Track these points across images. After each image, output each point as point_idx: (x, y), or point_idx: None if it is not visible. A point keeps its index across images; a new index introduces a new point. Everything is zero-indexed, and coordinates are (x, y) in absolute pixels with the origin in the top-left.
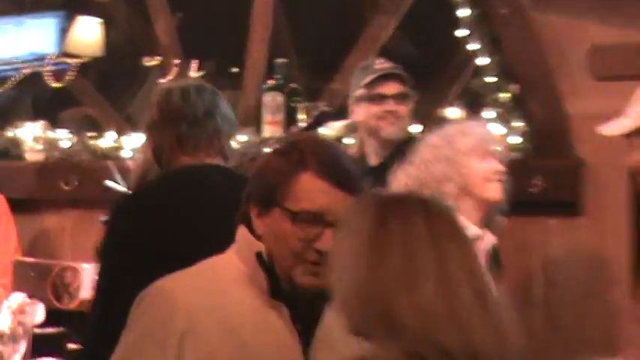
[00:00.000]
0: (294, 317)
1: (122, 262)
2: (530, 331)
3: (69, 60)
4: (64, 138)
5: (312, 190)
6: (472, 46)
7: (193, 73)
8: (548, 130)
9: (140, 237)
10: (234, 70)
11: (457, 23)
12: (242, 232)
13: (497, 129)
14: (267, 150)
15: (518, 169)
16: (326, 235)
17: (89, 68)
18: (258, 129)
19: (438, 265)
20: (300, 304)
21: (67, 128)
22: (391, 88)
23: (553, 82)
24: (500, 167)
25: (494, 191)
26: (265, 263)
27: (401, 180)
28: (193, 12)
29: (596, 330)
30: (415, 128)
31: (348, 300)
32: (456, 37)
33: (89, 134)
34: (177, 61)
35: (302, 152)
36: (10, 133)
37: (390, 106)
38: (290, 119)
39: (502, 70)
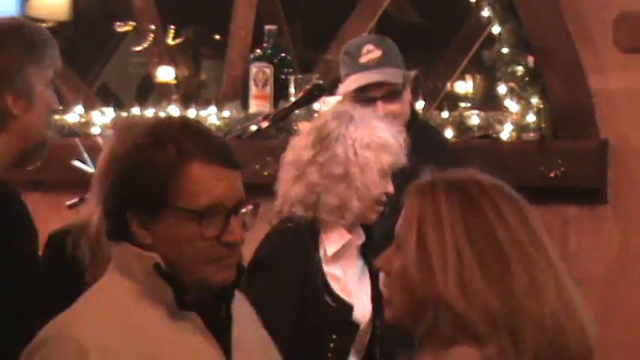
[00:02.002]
0: (206, 322)
1: None
2: None
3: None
4: None
5: (205, 181)
6: (484, 13)
7: (170, 40)
8: (569, 108)
9: None
10: (217, 37)
11: None
12: (122, 249)
13: (511, 106)
14: (252, 128)
15: (533, 151)
16: (232, 224)
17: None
18: (243, 103)
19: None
20: (208, 307)
21: None
22: (377, 90)
23: (575, 54)
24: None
25: None
26: (165, 274)
27: None
28: None
29: (620, 332)
30: (419, 105)
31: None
32: (467, 2)
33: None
34: (152, 27)
35: (177, 141)
36: None
37: (380, 108)
38: (279, 93)
39: (517, 39)
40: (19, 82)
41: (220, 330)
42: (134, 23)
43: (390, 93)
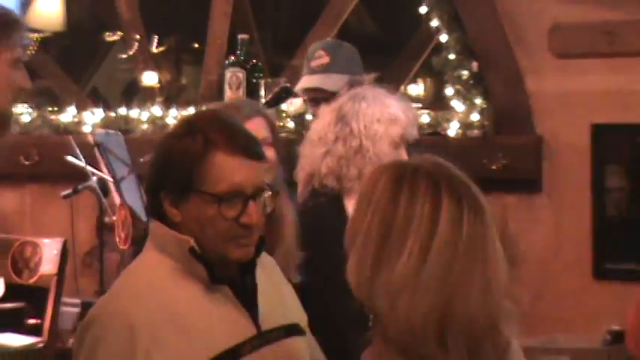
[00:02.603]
0: (236, 293)
1: None
2: None
3: (30, 34)
4: (24, 112)
5: (227, 169)
6: (433, 23)
7: (154, 48)
8: (508, 107)
9: None
10: (196, 45)
11: (419, 0)
12: (160, 229)
13: (458, 106)
14: None
15: (477, 146)
16: (250, 208)
17: (50, 43)
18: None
19: (427, 238)
20: (236, 280)
21: (27, 102)
22: (320, 93)
23: (513, 59)
24: None
25: None
26: (199, 255)
27: None
28: None
29: (553, 306)
30: None
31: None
32: (418, 14)
33: (49, 109)
34: (138, 37)
35: (205, 132)
36: None
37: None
38: (251, 95)
39: (463, 47)
40: None
41: (248, 300)
42: (121, 33)
43: (333, 95)
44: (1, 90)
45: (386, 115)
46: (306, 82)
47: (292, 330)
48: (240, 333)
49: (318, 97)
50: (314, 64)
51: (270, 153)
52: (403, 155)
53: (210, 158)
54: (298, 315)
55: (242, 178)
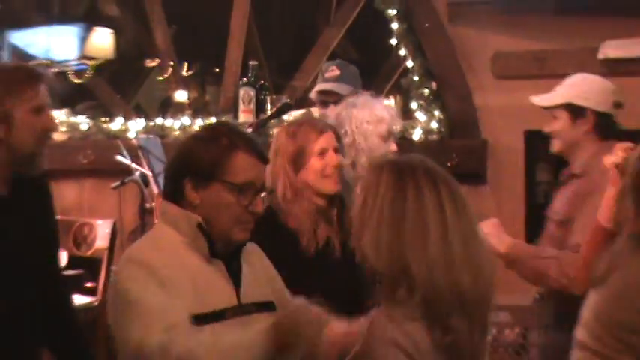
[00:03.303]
0: (227, 268)
1: None
2: None
3: (87, 61)
4: (83, 122)
5: (246, 165)
6: (402, 52)
7: (184, 72)
8: (460, 118)
9: None
10: (217, 69)
11: (390, 34)
12: (172, 208)
13: (420, 117)
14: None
15: (436, 148)
16: (258, 199)
17: (103, 68)
18: (235, 115)
19: (442, 225)
20: (232, 257)
21: (85, 115)
22: (331, 97)
23: (464, 80)
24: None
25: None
26: (205, 231)
27: None
28: (184, 24)
29: (497, 274)
30: None
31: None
32: (390, 45)
33: (102, 119)
34: (171, 63)
35: (229, 136)
36: None
37: (330, 110)
38: (259, 108)
39: (424, 71)
40: None
41: (235, 276)
42: (158, 60)
43: (340, 100)
44: (25, 135)
45: (373, 117)
46: (322, 86)
47: (265, 306)
48: (225, 301)
49: (328, 100)
50: (327, 75)
51: (339, 158)
52: (393, 147)
53: (234, 156)
54: (278, 295)
55: (255, 174)
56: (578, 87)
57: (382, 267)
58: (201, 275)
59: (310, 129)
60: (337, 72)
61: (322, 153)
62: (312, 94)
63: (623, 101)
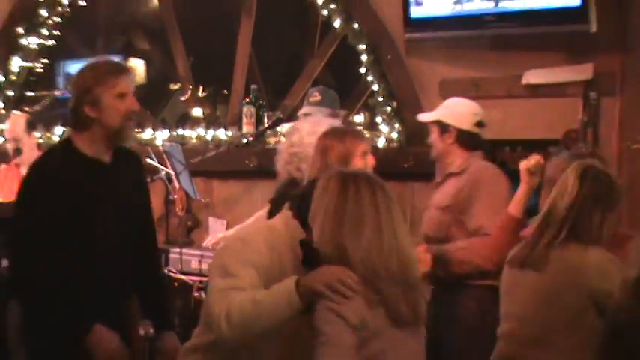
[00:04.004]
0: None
1: None
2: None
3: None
4: None
5: None
6: (369, 78)
7: (200, 93)
8: (414, 130)
9: None
10: (225, 92)
11: (360, 64)
12: (289, 217)
13: (384, 129)
14: (243, 141)
15: (396, 153)
16: None
17: (136, 90)
18: (239, 127)
19: (376, 221)
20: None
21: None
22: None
23: (418, 100)
24: None
25: None
26: (308, 246)
27: None
28: (200, 56)
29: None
30: None
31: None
32: (360, 73)
33: (136, 130)
34: (190, 86)
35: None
36: None
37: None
38: (258, 122)
39: (387, 93)
40: (88, 97)
41: None
42: (180, 84)
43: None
44: (113, 115)
45: (317, 130)
46: (305, 109)
47: None
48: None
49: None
50: (311, 99)
51: (374, 159)
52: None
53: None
54: None
55: None
56: (448, 108)
57: (326, 251)
58: (292, 270)
59: (355, 136)
60: (318, 97)
61: (364, 155)
62: (299, 114)
63: (485, 121)
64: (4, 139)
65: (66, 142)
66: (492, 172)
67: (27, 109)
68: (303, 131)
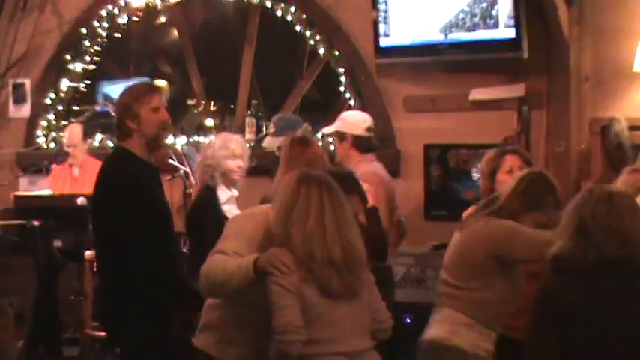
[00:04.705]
0: None
1: None
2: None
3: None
4: None
5: None
6: (347, 95)
7: (211, 107)
8: (384, 136)
9: None
10: (232, 106)
11: (340, 83)
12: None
13: None
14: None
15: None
16: None
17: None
18: (243, 135)
19: (320, 215)
20: None
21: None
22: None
23: (387, 113)
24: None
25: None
26: None
27: None
28: (211, 77)
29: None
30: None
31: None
32: (339, 90)
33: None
34: (203, 102)
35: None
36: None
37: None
38: (258, 131)
39: (361, 107)
40: (129, 113)
41: None
42: (195, 99)
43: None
44: (150, 125)
45: (226, 146)
46: (263, 142)
47: None
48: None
49: None
50: (269, 131)
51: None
52: (240, 163)
53: None
54: None
55: None
56: (342, 120)
57: (277, 233)
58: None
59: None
60: (272, 129)
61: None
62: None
63: (374, 127)
64: (55, 145)
65: (121, 151)
66: (373, 177)
67: (73, 120)
68: (215, 146)
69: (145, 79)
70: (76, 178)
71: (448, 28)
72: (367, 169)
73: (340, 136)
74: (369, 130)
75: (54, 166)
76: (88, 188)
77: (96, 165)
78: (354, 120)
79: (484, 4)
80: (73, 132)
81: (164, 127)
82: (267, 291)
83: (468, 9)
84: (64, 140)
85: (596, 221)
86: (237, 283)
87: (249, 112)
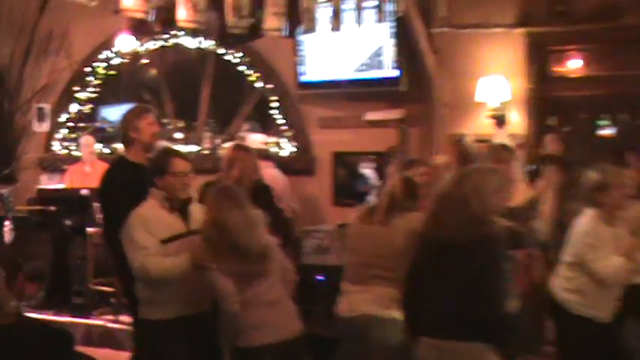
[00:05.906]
0: (181, 216)
1: None
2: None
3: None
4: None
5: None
6: (279, 117)
7: (179, 124)
8: (303, 146)
9: None
10: (194, 123)
11: (273, 108)
12: (155, 190)
13: (287, 146)
14: (205, 152)
15: (293, 160)
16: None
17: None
18: (202, 145)
19: (239, 214)
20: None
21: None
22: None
23: (305, 129)
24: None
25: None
26: (167, 198)
27: None
28: (179, 101)
29: (317, 216)
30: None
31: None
32: (272, 113)
33: None
34: (173, 121)
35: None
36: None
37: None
38: (213, 142)
39: (288, 125)
40: (131, 126)
41: (185, 218)
42: (168, 119)
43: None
44: (145, 136)
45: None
46: (242, 133)
47: (196, 232)
48: (179, 230)
49: None
50: (244, 128)
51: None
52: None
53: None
54: None
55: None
56: (249, 140)
57: (204, 228)
58: (166, 220)
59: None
60: (247, 127)
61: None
62: (240, 133)
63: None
64: (67, 151)
65: (119, 158)
66: (269, 179)
67: (80, 134)
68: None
69: (132, 104)
70: (87, 174)
71: (349, 68)
72: (264, 172)
73: (262, 153)
74: (265, 144)
75: (69, 166)
76: (96, 182)
77: (101, 165)
78: (255, 139)
79: (374, 51)
80: (87, 142)
81: (156, 137)
82: (207, 278)
83: (363, 55)
84: (76, 148)
85: None
86: (176, 277)
87: (206, 128)
